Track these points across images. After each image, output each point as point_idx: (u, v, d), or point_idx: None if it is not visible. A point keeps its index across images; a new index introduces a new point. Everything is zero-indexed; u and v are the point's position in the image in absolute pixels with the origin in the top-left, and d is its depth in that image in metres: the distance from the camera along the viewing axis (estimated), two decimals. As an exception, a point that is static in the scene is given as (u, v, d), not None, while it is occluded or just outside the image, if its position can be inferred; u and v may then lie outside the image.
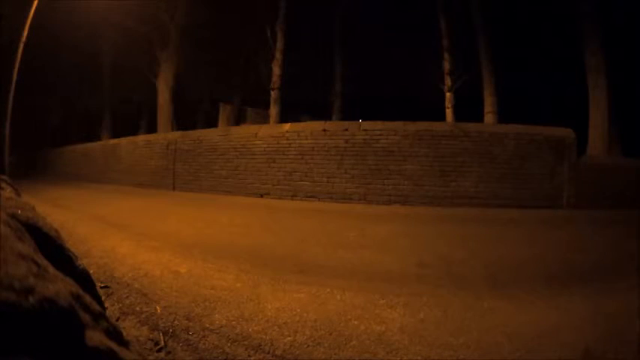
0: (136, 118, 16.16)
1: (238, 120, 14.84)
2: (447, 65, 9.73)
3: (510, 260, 2.85)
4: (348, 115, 11.48)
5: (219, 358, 1.42)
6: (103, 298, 1.75)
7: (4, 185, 1.18)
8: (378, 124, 6.18)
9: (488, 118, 9.39)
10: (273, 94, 10.44)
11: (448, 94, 9.73)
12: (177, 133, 8.83)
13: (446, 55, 9.76)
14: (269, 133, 6.93)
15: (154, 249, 3.07)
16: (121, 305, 1.90)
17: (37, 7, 7.57)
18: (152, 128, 13.03)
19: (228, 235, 3.67)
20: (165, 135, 9.40)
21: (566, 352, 1.46)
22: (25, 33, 7.55)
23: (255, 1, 10.89)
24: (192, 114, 15.67)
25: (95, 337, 0.50)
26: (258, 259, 2.80)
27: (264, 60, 10.55)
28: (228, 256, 2.88)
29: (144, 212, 5.21)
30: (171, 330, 1.63)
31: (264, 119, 12.61)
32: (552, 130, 5.91)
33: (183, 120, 12.85)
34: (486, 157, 5.85)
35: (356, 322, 1.73)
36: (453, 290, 2.18)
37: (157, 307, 1.86)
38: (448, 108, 9.74)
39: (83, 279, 0.81)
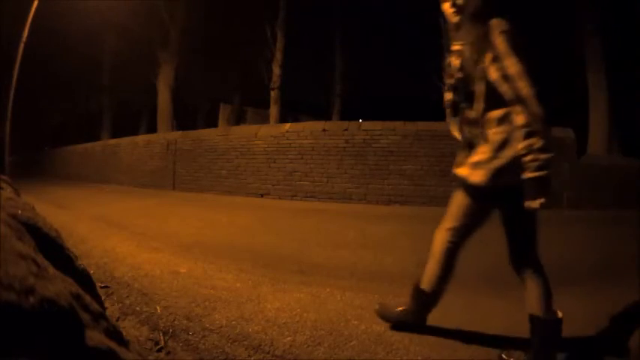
0: (136, 118, 16.18)
1: (238, 120, 14.86)
2: (447, 65, 9.73)
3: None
4: (348, 115, 11.46)
5: (219, 358, 1.42)
6: (103, 298, 1.75)
7: (4, 185, 1.18)
8: (378, 124, 6.18)
9: (489, 118, 9.38)
10: (273, 94, 10.45)
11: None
12: (177, 133, 8.84)
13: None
14: (269, 133, 6.93)
15: (154, 249, 3.07)
16: (121, 305, 1.90)
17: (37, 8, 7.57)
18: (152, 128, 13.04)
19: (228, 235, 3.67)
20: (165, 135, 9.40)
21: (565, 351, 1.46)
22: (26, 33, 7.55)
23: (255, 1, 10.89)
24: (192, 114, 15.68)
25: (95, 337, 0.50)
26: (258, 258, 2.80)
27: (264, 60, 10.55)
28: (228, 255, 2.88)
29: (144, 212, 5.20)
30: (171, 330, 1.63)
31: (264, 119, 12.62)
32: (552, 130, 5.89)
33: (183, 120, 12.86)
34: (486, 157, 5.83)
35: (356, 322, 1.73)
36: (452, 290, 2.18)
37: (157, 307, 1.86)
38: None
39: (83, 279, 0.81)
